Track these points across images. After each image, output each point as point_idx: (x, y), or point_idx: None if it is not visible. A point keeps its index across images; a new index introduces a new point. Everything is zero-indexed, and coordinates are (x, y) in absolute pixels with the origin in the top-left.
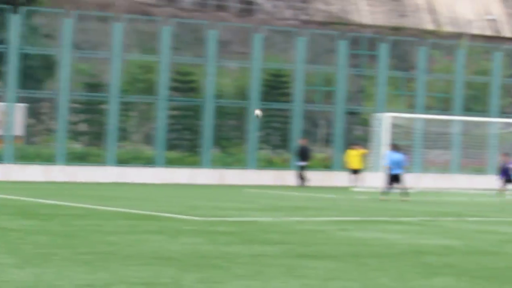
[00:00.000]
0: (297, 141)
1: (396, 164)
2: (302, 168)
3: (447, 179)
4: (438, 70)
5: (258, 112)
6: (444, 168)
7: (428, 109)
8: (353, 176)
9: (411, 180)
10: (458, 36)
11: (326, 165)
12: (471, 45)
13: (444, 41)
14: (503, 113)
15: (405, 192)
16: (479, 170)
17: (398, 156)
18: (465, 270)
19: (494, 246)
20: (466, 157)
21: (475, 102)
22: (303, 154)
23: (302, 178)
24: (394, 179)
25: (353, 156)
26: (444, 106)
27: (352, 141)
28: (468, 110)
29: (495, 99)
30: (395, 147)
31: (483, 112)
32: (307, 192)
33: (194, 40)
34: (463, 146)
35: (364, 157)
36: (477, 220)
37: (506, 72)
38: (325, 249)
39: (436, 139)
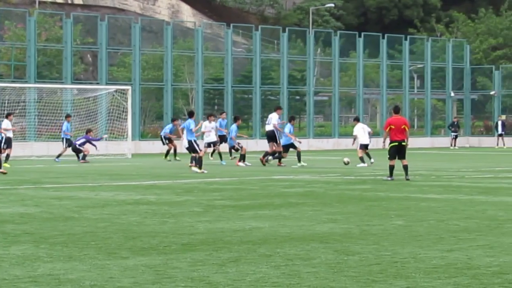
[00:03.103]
0: None
1: None
2: None
3: (24, 147)
4: (10, 37)
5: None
6: (21, 135)
7: (2, 77)
8: None
9: None
10: (30, 3)
11: None
12: (42, 12)
13: (15, 9)
14: (77, 80)
15: None
16: (56, 136)
17: None
18: (44, 237)
19: (72, 211)
20: (42, 124)
21: (49, 69)
22: None
23: None
24: None
25: None
26: (18, 73)
27: None
28: (42, 77)
29: (68, 66)
30: None
31: (57, 79)
32: None
33: None
34: (38, 113)
35: None
36: (56, 186)
37: (80, 39)
38: None
39: (12, 107)
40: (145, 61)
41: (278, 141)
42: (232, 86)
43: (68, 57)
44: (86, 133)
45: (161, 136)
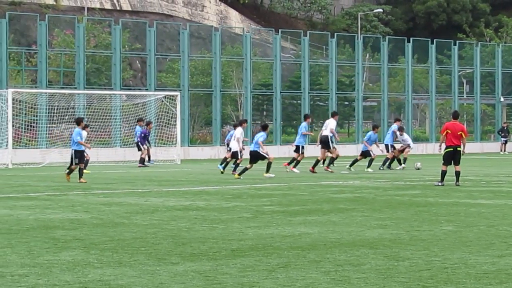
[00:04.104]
0: None
1: None
2: None
3: None
4: (59, 44)
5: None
6: (70, 142)
7: (51, 84)
8: None
9: (39, 155)
10: (78, 10)
11: None
12: (90, 19)
13: (63, 15)
14: (125, 86)
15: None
16: (105, 142)
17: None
18: (94, 242)
19: (122, 217)
20: (91, 131)
21: (98, 76)
22: None
23: None
24: None
25: None
26: (67, 80)
27: None
28: (90, 83)
29: (117, 72)
30: None
31: (106, 86)
32: None
33: None
34: (87, 119)
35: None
36: (105, 192)
37: (128, 46)
38: None
39: (61, 113)
40: (193, 67)
41: (331, 148)
42: (280, 92)
43: (116, 63)
44: (147, 125)
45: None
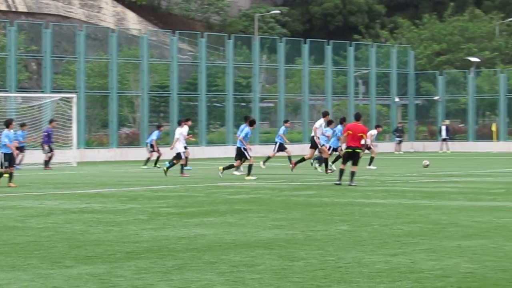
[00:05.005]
0: None
1: None
2: None
3: None
4: None
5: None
6: None
7: None
8: None
9: None
10: None
11: None
12: None
13: None
14: (21, 88)
15: None
16: None
17: None
18: None
19: (16, 221)
20: None
21: None
22: None
23: None
24: None
25: None
26: None
27: None
28: None
29: (12, 74)
30: None
31: (1, 88)
32: None
33: None
34: None
35: None
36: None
37: (24, 47)
38: None
39: None
40: (90, 69)
41: (319, 147)
42: (177, 93)
43: (12, 65)
44: (50, 123)
45: (147, 143)
